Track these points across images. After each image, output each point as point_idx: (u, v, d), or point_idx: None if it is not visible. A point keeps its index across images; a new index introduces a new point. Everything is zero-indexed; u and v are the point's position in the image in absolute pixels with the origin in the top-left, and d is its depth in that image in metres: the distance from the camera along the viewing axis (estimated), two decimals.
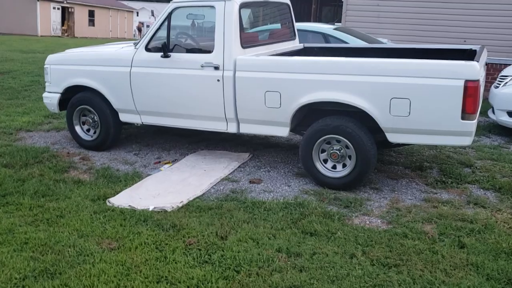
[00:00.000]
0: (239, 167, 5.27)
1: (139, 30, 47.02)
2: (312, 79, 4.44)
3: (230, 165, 5.28)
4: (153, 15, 54.46)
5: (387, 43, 7.92)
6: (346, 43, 7.18)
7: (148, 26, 48.03)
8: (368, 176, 4.61)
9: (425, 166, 5.31)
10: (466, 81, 3.94)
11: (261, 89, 4.69)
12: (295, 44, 6.12)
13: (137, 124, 5.62)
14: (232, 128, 5.04)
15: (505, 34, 9.72)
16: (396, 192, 4.59)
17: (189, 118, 5.21)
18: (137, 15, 50.04)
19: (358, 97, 4.30)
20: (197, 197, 4.47)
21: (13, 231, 3.74)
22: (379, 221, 4.01)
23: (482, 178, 4.93)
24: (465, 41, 9.58)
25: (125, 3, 49.41)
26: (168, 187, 4.68)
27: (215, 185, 4.78)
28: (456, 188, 4.69)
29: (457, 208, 4.22)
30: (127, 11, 46.26)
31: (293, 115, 4.64)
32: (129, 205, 4.26)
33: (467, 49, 5.32)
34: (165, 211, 4.14)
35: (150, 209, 4.16)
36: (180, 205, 4.26)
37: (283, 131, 4.79)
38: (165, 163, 5.40)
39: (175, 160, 5.52)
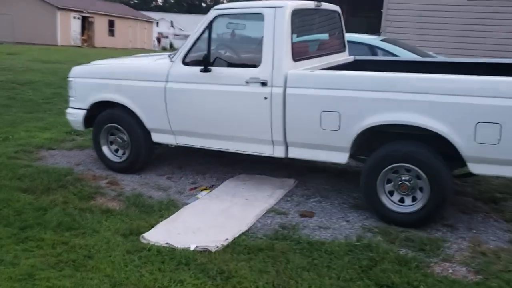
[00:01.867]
0: (285, 195, 4.66)
1: (159, 40, 46.96)
2: (380, 98, 3.82)
3: (274, 193, 4.67)
4: (172, 25, 54.56)
5: (436, 57, 7.27)
6: (395, 55, 6.56)
7: (166, 37, 48.20)
8: (443, 212, 3.95)
9: (498, 197, 4.64)
10: None
11: (316, 108, 4.09)
12: (346, 57, 5.52)
13: (171, 145, 5.05)
14: (279, 152, 4.44)
15: None
16: (474, 231, 3.93)
17: (229, 140, 4.63)
18: (157, 26, 50.08)
19: (436, 120, 3.66)
20: (243, 233, 3.86)
21: (33, 276, 3.17)
22: (464, 269, 3.35)
23: None
24: None
25: (145, 13, 49.54)
26: (208, 220, 4.09)
27: (261, 217, 4.17)
28: None
29: None
30: (146, 21, 46.29)
31: (354, 139, 4.02)
32: (167, 243, 3.67)
33: None
34: (209, 252, 3.53)
35: (192, 249, 3.56)
36: (225, 243, 3.66)
37: (341, 157, 4.16)
38: (202, 189, 4.81)
39: (213, 186, 4.93)
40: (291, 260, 3.42)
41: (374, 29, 9.95)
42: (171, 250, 3.55)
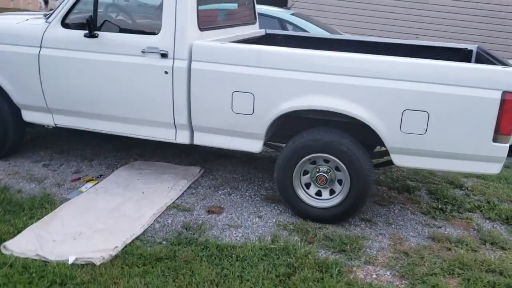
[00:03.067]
0: (189, 187, 4.03)
1: (46, 2, 42.76)
2: (301, 79, 3.31)
3: (177, 184, 4.02)
4: None
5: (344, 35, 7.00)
6: (306, 31, 6.13)
7: None
8: (363, 206, 3.61)
9: (410, 186, 4.44)
10: (505, 93, 3.05)
11: (227, 88, 3.49)
12: (256, 29, 4.95)
13: (48, 126, 4.15)
14: (182, 138, 3.78)
15: (463, 32, 9.28)
16: (393, 226, 3.64)
17: (121, 121, 3.86)
18: None
19: (361, 106, 3.25)
20: (137, 237, 3.20)
21: None
22: (388, 273, 3.02)
23: (480, 204, 4.14)
24: (417, 37, 8.99)
25: None
26: (94, 221, 3.34)
27: (160, 216, 3.52)
28: (459, 219, 3.84)
29: (475, 250, 3.36)
30: None
31: (270, 125, 3.50)
32: (37, 254, 2.89)
33: (462, 49, 4.49)
34: (93, 265, 2.82)
35: (70, 262, 2.83)
36: (114, 252, 2.97)
37: (255, 146, 3.62)
38: (87, 181, 4.01)
39: (101, 176, 4.15)
40: (196, 271, 2.84)
41: (280, 3, 9.50)
42: (42, 264, 2.79)
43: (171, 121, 3.71)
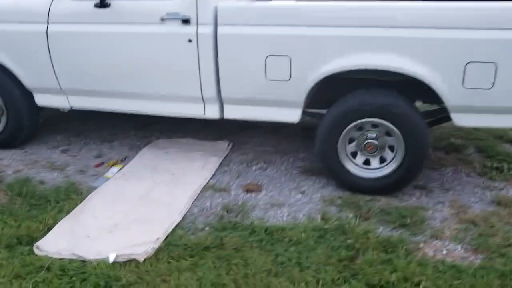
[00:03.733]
0: (220, 165, 3.73)
1: None
2: (347, 36, 2.94)
3: (207, 162, 3.71)
4: None
5: None
6: None
7: None
8: (419, 174, 3.29)
9: (457, 144, 4.11)
10: None
11: (259, 52, 3.12)
12: None
13: (64, 109, 3.82)
14: (212, 113, 3.45)
15: None
16: (451, 192, 3.33)
17: (143, 99, 3.53)
18: None
19: (417, 62, 2.89)
20: (177, 225, 2.92)
21: None
22: (459, 248, 2.73)
23: None
24: None
25: None
26: (127, 210, 3.06)
27: (196, 199, 3.23)
28: None
29: None
30: None
31: (309, 91, 3.15)
32: (74, 253, 2.62)
33: None
34: (137, 262, 2.55)
35: (111, 260, 2.55)
36: (157, 245, 2.69)
37: (293, 115, 3.28)
38: (112, 165, 3.71)
39: (125, 158, 3.84)
40: (250, 260, 2.56)
41: None
42: (81, 265, 2.52)
43: (198, 95, 3.37)
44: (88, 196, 3.21)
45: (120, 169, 3.62)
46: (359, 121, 3.13)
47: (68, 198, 3.20)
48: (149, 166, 3.67)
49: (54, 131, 4.36)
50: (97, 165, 3.71)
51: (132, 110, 3.60)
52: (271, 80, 3.16)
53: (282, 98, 3.21)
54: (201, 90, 3.34)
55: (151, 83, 3.42)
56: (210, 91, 3.33)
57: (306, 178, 3.52)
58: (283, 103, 3.24)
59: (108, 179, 3.48)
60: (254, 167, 3.69)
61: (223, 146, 4.01)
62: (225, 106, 3.40)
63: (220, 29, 3.16)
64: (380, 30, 2.89)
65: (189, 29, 3.20)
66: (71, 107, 3.74)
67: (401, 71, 2.93)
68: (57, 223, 2.90)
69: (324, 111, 3.37)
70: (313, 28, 2.98)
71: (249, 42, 3.12)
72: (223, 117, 3.45)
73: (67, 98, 3.70)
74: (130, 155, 3.90)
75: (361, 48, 2.94)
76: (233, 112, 3.41)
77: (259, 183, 3.46)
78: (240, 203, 3.19)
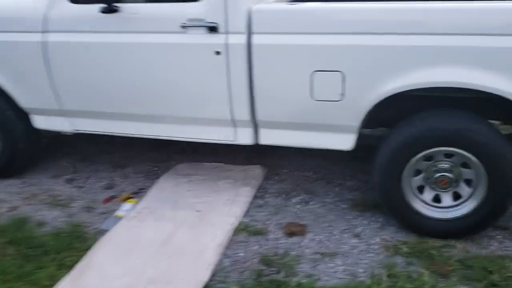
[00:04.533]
0: (254, 196, 3.12)
1: None
2: (420, 46, 2.31)
3: (238, 195, 3.11)
4: None
5: None
6: None
7: None
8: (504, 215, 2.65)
9: None
10: None
11: (304, 67, 2.50)
12: None
13: (66, 133, 3.25)
14: (244, 138, 2.84)
15: None
16: None
17: (160, 122, 2.94)
18: None
19: (504, 76, 2.25)
20: (205, 285, 2.32)
21: None
22: None
23: None
24: None
25: None
26: (143, 266, 2.47)
27: (227, 247, 2.64)
28: None
29: None
30: None
31: (367, 113, 2.53)
32: None
33: None
34: None
35: None
36: None
37: (345, 142, 2.66)
38: (124, 199, 3.13)
39: (140, 190, 3.26)
40: None
41: None
42: None
43: (227, 118, 2.76)
44: (95, 246, 2.62)
45: (134, 206, 3.04)
46: (430, 150, 2.49)
47: (70, 247, 2.63)
48: (169, 200, 3.08)
49: (58, 155, 3.80)
50: (106, 200, 3.13)
51: (148, 134, 3.02)
52: (318, 100, 2.54)
53: (332, 122, 2.60)
54: (231, 111, 2.74)
55: (170, 103, 2.83)
56: (242, 113, 2.72)
57: (359, 214, 2.90)
58: (332, 127, 2.62)
59: (119, 219, 2.90)
60: (294, 200, 3.08)
61: (256, 172, 3.40)
62: (261, 131, 2.80)
63: (255, 39, 2.54)
64: (465, 39, 2.25)
65: (217, 39, 2.59)
66: (76, 130, 3.16)
67: (487, 89, 2.29)
68: (57, 284, 2.33)
69: (378, 131, 2.76)
70: (374, 37, 2.35)
71: (291, 54, 2.50)
72: (257, 143, 2.85)
73: (70, 121, 3.13)
74: (146, 185, 3.31)
75: (435, 61, 2.30)
76: (270, 138, 2.80)
77: (302, 222, 2.84)
78: (281, 251, 2.58)
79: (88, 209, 3.05)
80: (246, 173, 3.40)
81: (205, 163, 3.58)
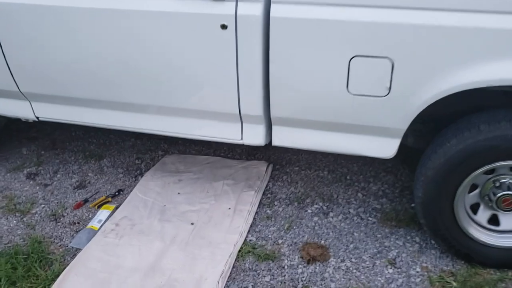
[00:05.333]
0: (260, 203, 2.55)
1: None
2: (499, 29, 1.70)
3: (241, 201, 2.53)
4: None
5: None
6: None
7: None
8: None
9: None
10: None
11: (340, 50, 1.87)
12: None
13: (27, 119, 2.59)
14: (253, 137, 2.23)
15: None
16: None
17: (146, 112, 2.30)
18: None
19: None
20: None
21: None
22: None
23: None
24: None
25: None
26: None
27: (231, 277, 2.08)
28: None
29: None
30: None
31: (419, 113, 1.94)
32: None
33: None
34: None
35: None
36: None
37: (385, 148, 2.08)
38: (99, 205, 2.52)
39: (119, 192, 2.65)
40: None
41: None
42: None
43: (233, 111, 2.14)
44: (62, 275, 2.03)
45: (111, 213, 2.44)
46: (497, 164, 1.94)
47: (29, 275, 2.03)
48: (155, 207, 2.49)
49: (19, 140, 3.14)
50: (78, 205, 2.52)
51: (131, 127, 2.38)
52: (356, 94, 1.94)
53: (372, 122, 2.00)
54: (238, 103, 2.11)
55: (159, 90, 2.19)
56: (253, 106, 2.11)
57: (391, 231, 2.36)
58: (371, 130, 2.03)
59: (93, 232, 2.30)
60: (309, 210, 2.52)
61: (260, 170, 2.82)
62: (275, 129, 2.19)
63: (274, 10, 1.89)
64: None
65: (223, 8, 1.94)
66: (37, 118, 2.51)
67: None
68: None
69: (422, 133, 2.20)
70: (437, 13, 1.73)
71: (324, 33, 1.87)
72: (270, 144, 2.25)
73: (31, 106, 2.47)
74: (126, 184, 2.71)
75: None
76: (286, 138, 2.20)
77: (323, 241, 2.30)
78: (300, 285, 2.04)
79: (54, 217, 2.44)
80: (248, 170, 2.81)
81: (198, 156, 2.98)
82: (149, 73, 2.15)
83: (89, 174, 2.80)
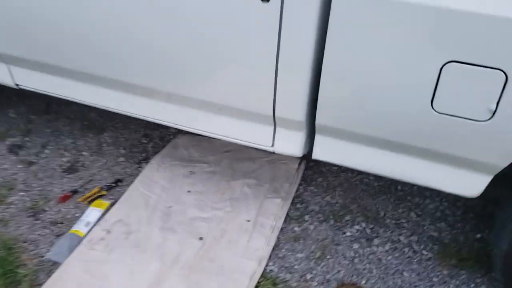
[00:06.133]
0: (287, 217, 2.05)
1: None
2: None
3: (262, 211, 2.03)
4: None
5: None
6: None
7: None
8: None
9: None
10: None
11: (429, 50, 1.28)
12: None
13: (7, 84, 2.08)
14: (287, 145, 1.68)
15: None
16: None
17: (151, 97, 1.76)
18: None
19: None
20: None
21: None
22: None
23: None
24: None
25: None
26: None
27: None
28: None
29: None
30: None
31: None
32: None
33: None
34: None
35: None
36: None
37: (470, 185, 1.52)
38: (90, 199, 2.05)
39: (117, 183, 2.16)
40: None
41: None
42: None
43: (265, 111, 1.59)
44: None
45: (103, 214, 1.97)
46: None
47: None
48: (159, 208, 2.02)
49: (9, 99, 2.65)
50: (63, 198, 2.05)
51: (132, 112, 1.85)
52: (442, 113, 1.36)
53: (458, 151, 1.43)
54: (274, 102, 1.55)
55: (173, 73, 1.64)
56: (293, 107, 1.55)
57: (450, 274, 1.85)
58: (455, 160, 1.47)
59: (77, 239, 1.84)
60: (348, 232, 2.00)
61: (291, 167, 2.29)
62: (318, 139, 1.63)
63: None
64: None
65: None
66: (17, 86, 1.99)
67: None
68: None
69: None
70: None
71: (411, 20, 1.26)
72: (310, 156, 1.71)
73: (9, 71, 1.95)
74: (127, 172, 2.22)
75: None
76: (332, 152, 1.64)
77: (363, 281, 1.80)
78: None
79: (34, 211, 1.98)
80: (275, 167, 2.28)
81: (216, 140, 2.45)
82: (158, 50, 1.59)
83: (84, 153, 2.32)
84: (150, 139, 2.45)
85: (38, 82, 1.91)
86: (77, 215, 1.97)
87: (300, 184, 2.22)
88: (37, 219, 1.94)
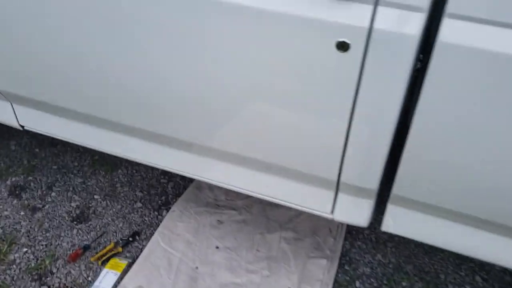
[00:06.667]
0: (336, 281, 1.76)
1: None
2: None
3: (305, 278, 1.74)
4: None
5: None
6: None
7: None
8: None
9: None
10: None
11: None
12: None
13: (10, 124, 1.78)
14: (351, 214, 1.39)
15: None
16: None
17: (188, 150, 1.47)
18: None
19: None
20: None
21: None
22: None
23: None
24: None
25: None
26: None
27: None
28: None
29: None
30: None
31: None
32: None
33: None
34: None
35: None
36: None
37: None
38: (103, 259, 1.75)
39: (134, 235, 1.87)
40: None
41: None
42: None
43: (328, 175, 1.30)
44: None
45: (119, 278, 1.68)
46: None
47: None
48: (183, 271, 1.72)
49: (8, 129, 2.34)
50: (74, 257, 1.75)
51: (159, 164, 1.56)
52: None
53: None
54: (340, 167, 1.26)
55: (218, 124, 1.35)
56: (364, 174, 1.26)
57: None
58: None
59: None
60: None
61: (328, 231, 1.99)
62: (390, 210, 1.34)
63: (447, 31, 0.99)
64: None
65: (346, 15, 1.04)
66: (23, 127, 1.70)
67: None
68: None
69: None
70: None
71: None
72: (379, 228, 1.42)
73: (14, 110, 1.65)
74: (145, 221, 1.93)
75: None
76: (407, 226, 1.35)
77: None
78: None
79: (39, 273, 1.68)
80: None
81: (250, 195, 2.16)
82: (191, 96, 1.30)
83: (95, 196, 2.02)
84: (170, 178, 2.16)
85: (46, 125, 1.61)
86: (89, 278, 1.68)
87: (345, 238, 1.93)
88: (43, 284, 1.65)
